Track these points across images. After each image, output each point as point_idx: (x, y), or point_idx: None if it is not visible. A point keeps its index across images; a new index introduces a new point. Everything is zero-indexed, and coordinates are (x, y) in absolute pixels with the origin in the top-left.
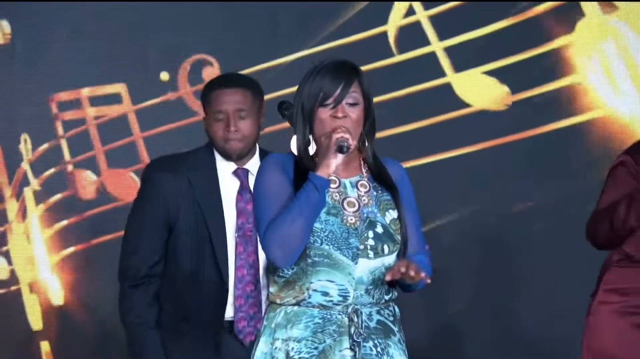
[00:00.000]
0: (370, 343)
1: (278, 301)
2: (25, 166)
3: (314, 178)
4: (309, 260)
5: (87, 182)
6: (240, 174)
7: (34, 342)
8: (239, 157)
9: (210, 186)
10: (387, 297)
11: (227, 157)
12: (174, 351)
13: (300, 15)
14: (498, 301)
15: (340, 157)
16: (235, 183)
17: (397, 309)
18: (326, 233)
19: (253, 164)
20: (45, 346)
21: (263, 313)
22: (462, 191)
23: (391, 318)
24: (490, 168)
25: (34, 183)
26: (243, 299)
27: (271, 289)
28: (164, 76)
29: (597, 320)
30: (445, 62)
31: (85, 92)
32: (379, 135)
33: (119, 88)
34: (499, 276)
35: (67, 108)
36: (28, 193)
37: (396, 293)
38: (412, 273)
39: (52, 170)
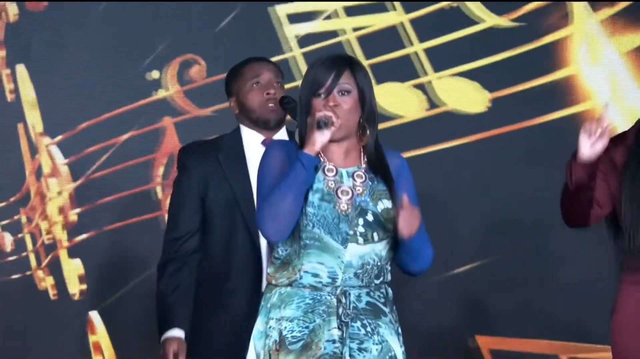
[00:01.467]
0: (358, 323)
1: (273, 281)
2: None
3: (300, 156)
4: (301, 242)
5: None
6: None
7: (81, 309)
8: (276, 123)
9: (237, 160)
10: (377, 281)
11: (264, 124)
12: (214, 319)
13: None
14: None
15: (325, 134)
16: None
17: (389, 291)
18: (318, 218)
19: (281, 136)
20: (94, 315)
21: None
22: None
23: (382, 300)
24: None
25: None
26: None
27: (269, 270)
28: None
29: (621, 298)
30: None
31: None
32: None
33: None
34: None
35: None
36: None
37: (389, 276)
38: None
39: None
